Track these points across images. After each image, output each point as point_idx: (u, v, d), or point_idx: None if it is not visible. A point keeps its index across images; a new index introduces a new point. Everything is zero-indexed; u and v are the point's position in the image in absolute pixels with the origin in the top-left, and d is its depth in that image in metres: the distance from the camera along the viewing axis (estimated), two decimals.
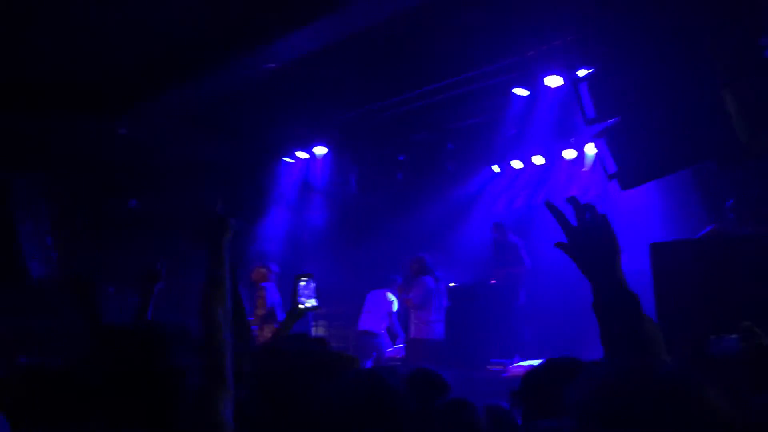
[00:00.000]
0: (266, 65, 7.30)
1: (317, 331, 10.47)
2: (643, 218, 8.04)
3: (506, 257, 9.27)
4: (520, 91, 7.85)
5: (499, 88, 7.92)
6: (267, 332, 7.78)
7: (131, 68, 7.31)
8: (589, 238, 1.63)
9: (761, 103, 4.26)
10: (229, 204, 2.44)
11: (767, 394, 1.72)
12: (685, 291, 4.59)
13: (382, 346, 9.05)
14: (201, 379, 1.83)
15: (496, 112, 8.39)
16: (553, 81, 7.48)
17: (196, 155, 9.30)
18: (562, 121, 8.06)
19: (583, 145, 9.06)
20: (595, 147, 8.15)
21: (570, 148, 9.26)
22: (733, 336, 2.12)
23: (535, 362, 8.92)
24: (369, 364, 8.68)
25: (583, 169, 9.31)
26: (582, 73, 6.52)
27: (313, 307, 3.46)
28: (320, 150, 9.92)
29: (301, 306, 3.44)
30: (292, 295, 3.47)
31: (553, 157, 9.53)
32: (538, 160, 9.62)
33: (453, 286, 9.30)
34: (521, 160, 9.81)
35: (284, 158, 10.38)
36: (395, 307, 9.30)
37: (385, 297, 9.33)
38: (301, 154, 10.14)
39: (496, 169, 10.31)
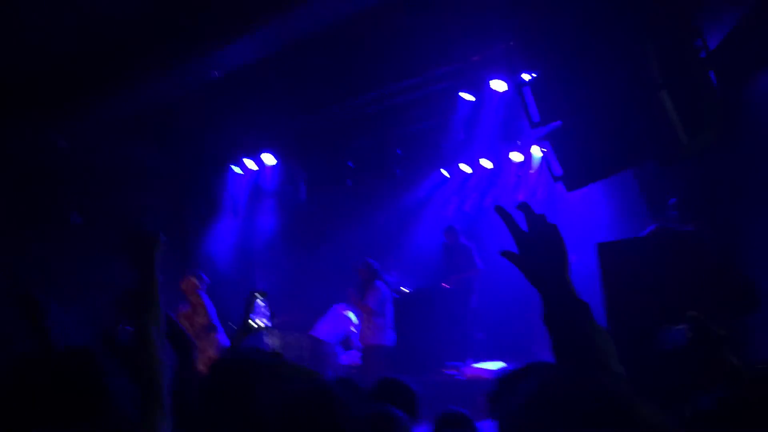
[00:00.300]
0: (212, 72, 7.18)
1: (270, 340, 10.34)
2: (589, 217, 8.20)
3: (458, 261, 9.32)
4: (467, 96, 7.92)
5: (445, 92, 7.98)
6: (207, 345, 7.53)
7: (70, 74, 7.08)
8: (539, 247, 1.61)
9: (698, 104, 4.38)
10: (161, 217, 2.36)
11: (714, 394, 1.73)
12: (633, 288, 4.68)
13: (333, 353, 8.99)
14: (135, 404, 1.73)
15: (443, 116, 8.43)
16: (499, 85, 7.57)
17: (139, 164, 9.08)
18: (509, 125, 8.16)
19: (530, 148, 9.20)
20: (541, 150, 8.30)
21: (517, 150, 9.38)
22: (680, 327, 2.15)
23: (489, 365, 8.94)
24: (329, 373, 8.63)
25: (531, 171, 9.45)
26: (526, 77, 6.62)
27: (265, 327, 3.42)
28: (268, 158, 9.81)
29: (253, 324, 3.39)
30: (245, 311, 3.40)
31: (501, 159, 9.64)
32: (487, 163, 9.72)
33: (405, 291, 9.31)
34: (469, 164, 9.90)
35: (232, 166, 10.24)
36: (355, 328, 9.19)
37: (343, 315, 9.24)
38: (249, 162, 10.02)
39: (445, 173, 10.38)
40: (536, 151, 9.05)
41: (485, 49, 7.08)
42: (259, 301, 3.43)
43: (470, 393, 7.39)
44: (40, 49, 6.54)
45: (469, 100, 7.96)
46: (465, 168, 9.99)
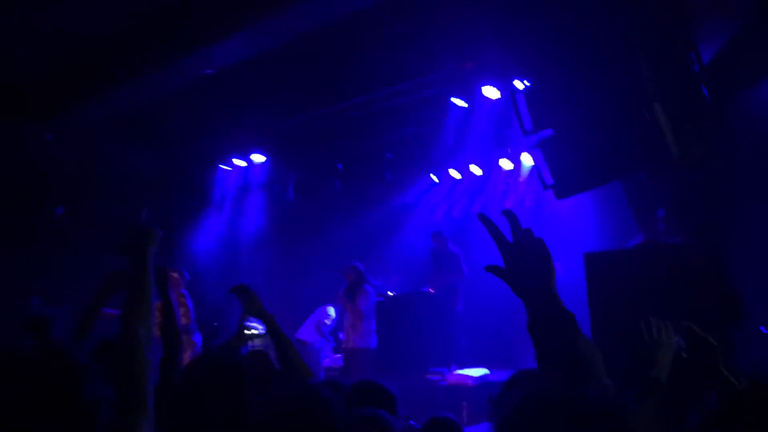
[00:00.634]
0: (202, 71, 7.14)
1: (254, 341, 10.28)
2: (577, 227, 8.22)
3: (445, 267, 9.31)
4: (459, 102, 7.91)
5: (437, 98, 7.97)
6: (187, 345, 7.44)
7: (59, 70, 7.02)
8: (524, 258, 1.59)
9: (690, 116, 4.40)
10: (156, 213, 2.33)
11: (708, 406, 1.73)
12: (619, 298, 4.70)
13: (316, 355, 9.00)
14: (118, 405, 1.66)
15: (434, 121, 8.43)
16: (491, 92, 7.58)
17: (127, 162, 9.01)
18: (500, 132, 8.17)
19: (520, 156, 9.21)
20: (532, 158, 8.31)
21: (506, 158, 9.40)
22: (678, 338, 2.14)
23: (473, 371, 8.91)
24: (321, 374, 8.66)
25: (520, 179, 9.46)
26: (519, 84, 6.63)
27: (258, 335, 3.44)
28: (258, 157, 9.77)
29: (247, 332, 3.40)
30: (241, 317, 3.39)
31: (491, 166, 9.65)
32: (476, 169, 9.73)
33: (390, 294, 9.30)
34: (459, 170, 9.90)
35: (221, 165, 10.19)
36: (329, 320, 9.29)
37: (324, 309, 9.35)
38: (238, 162, 9.97)
39: (434, 178, 10.37)
40: (526, 160, 9.06)
41: (479, 56, 7.08)
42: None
43: (453, 399, 7.40)
44: (30, 48, 6.48)
45: (461, 106, 7.95)
46: (454, 174, 9.99)
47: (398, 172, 9.64)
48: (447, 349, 8.77)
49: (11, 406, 1.39)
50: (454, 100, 7.91)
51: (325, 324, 9.30)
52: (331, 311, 9.33)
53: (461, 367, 8.28)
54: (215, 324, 9.43)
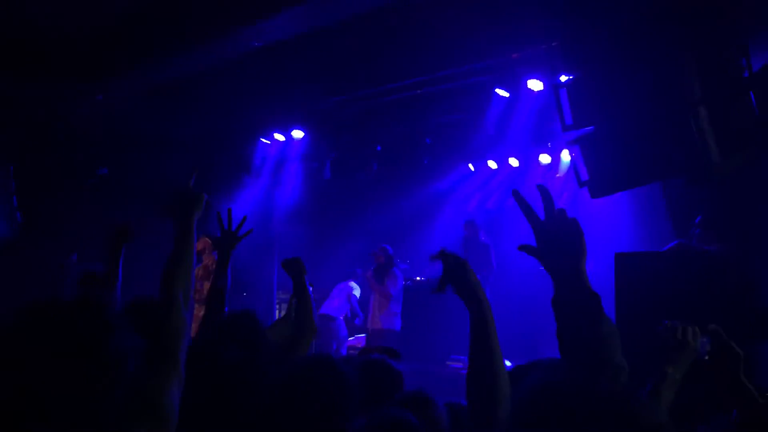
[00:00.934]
0: (251, 43, 7.20)
1: (281, 314, 10.45)
2: (611, 227, 8.14)
3: (475, 257, 9.31)
4: (502, 92, 7.87)
5: (481, 87, 7.93)
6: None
7: (113, 35, 7.15)
8: (557, 235, 1.62)
9: (735, 124, 4.32)
10: (203, 179, 2.39)
11: (729, 417, 1.74)
12: (646, 302, 4.66)
13: (338, 330, 9.13)
14: (150, 358, 1.71)
15: (476, 110, 8.39)
16: (535, 85, 7.52)
17: (171, 128, 9.17)
18: (541, 126, 8.11)
19: (559, 151, 9.14)
20: (570, 154, 8.24)
21: (546, 152, 9.33)
22: (704, 339, 2.15)
23: None
24: (334, 345, 8.80)
25: (558, 175, 9.40)
26: (564, 78, 6.57)
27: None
28: (298, 133, 9.86)
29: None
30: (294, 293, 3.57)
31: (529, 160, 9.59)
32: (514, 162, 9.68)
33: (418, 279, 9.35)
34: (497, 161, 9.86)
35: (261, 138, 10.30)
36: (357, 292, 9.45)
37: (347, 284, 9.50)
38: (278, 136, 10.06)
39: (471, 167, 10.35)
40: (565, 156, 8.99)
41: (526, 48, 7.03)
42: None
43: None
44: (90, 8, 6.60)
45: (503, 97, 7.91)
46: (492, 164, 9.95)
47: (436, 159, 9.64)
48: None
49: (36, 351, 1.43)
50: (497, 91, 7.87)
51: (354, 296, 9.49)
52: (355, 285, 9.50)
53: None
54: (244, 294, 9.60)
